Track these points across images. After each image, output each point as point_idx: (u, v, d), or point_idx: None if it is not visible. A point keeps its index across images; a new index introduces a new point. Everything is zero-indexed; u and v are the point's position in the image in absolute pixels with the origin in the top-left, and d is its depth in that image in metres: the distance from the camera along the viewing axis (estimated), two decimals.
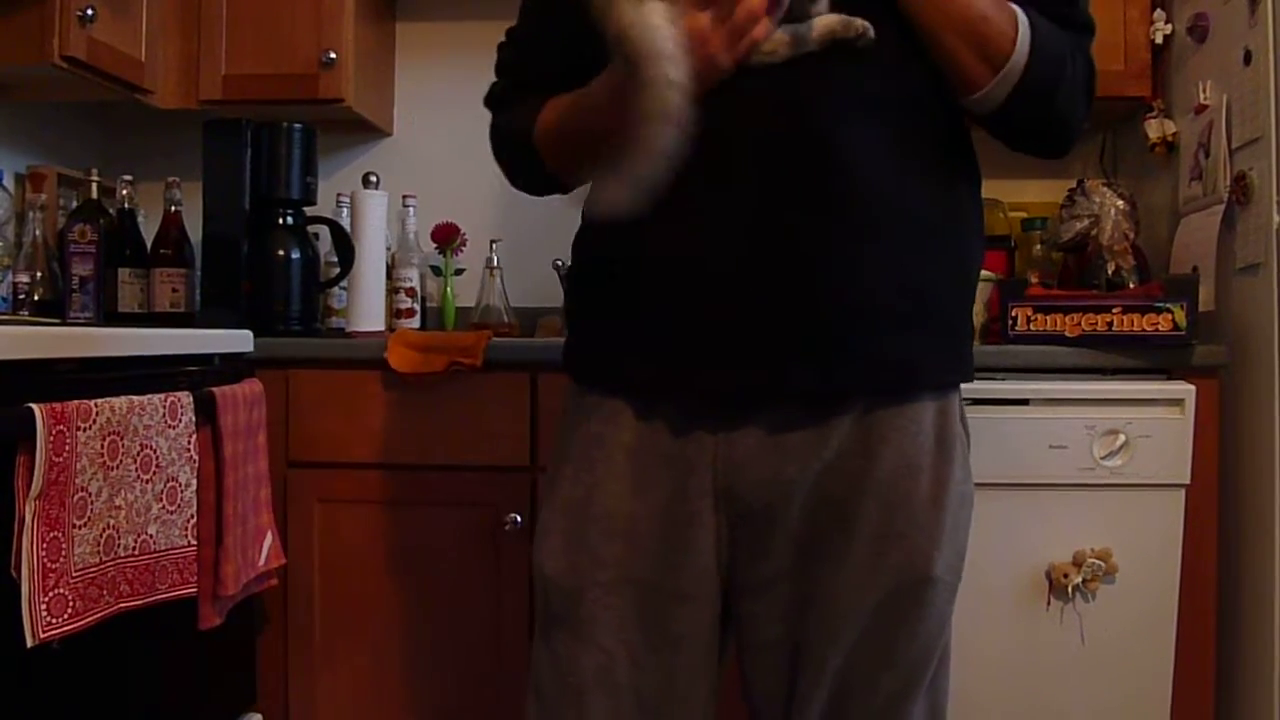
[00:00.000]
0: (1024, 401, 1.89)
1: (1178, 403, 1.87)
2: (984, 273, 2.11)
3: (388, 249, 2.38)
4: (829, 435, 1.03)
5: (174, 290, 2.34)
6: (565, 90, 1.12)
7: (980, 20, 1.01)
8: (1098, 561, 1.85)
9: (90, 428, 1.38)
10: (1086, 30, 1.10)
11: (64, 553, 1.33)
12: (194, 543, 1.61)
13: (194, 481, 1.62)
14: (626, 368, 1.06)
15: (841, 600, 1.04)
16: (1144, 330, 1.89)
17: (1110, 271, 2.06)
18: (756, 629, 1.09)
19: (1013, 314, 1.95)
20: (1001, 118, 1.08)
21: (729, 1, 0.92)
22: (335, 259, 2.34)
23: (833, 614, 1.04)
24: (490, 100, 1.28)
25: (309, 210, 2.29)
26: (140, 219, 2.41)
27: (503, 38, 1.29)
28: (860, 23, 1.00)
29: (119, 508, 1.44)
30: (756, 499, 1.04)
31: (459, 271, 2.50)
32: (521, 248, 2.52)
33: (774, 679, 1.10)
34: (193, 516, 1.61)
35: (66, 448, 1.33)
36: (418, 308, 2.43)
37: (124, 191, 2.37)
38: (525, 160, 1.21)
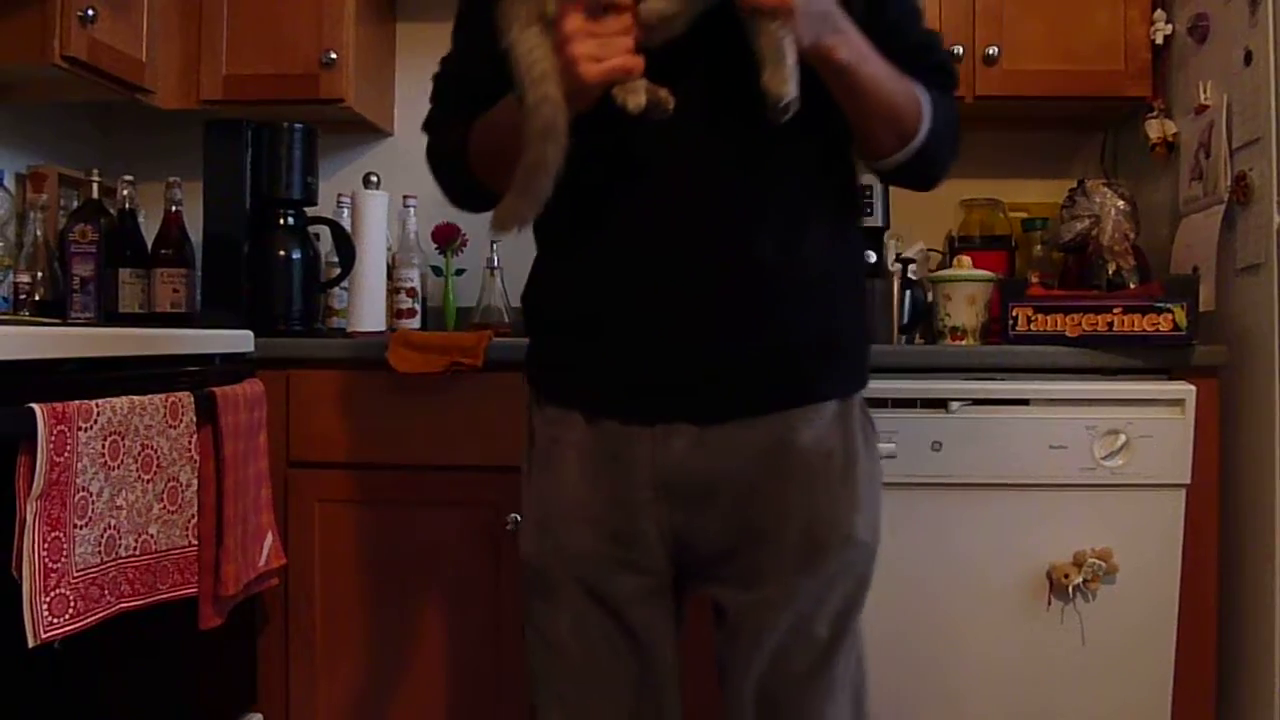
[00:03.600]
0: (1024, 402, 1.89)
1: (1178, 403, 1.87)
2: (985, 273, 2.14)
3: (388, 249, 2.38)
4: (749, 435, 1.18)
5: (175, 290, 2.34)
6: (495, 98, 1.19)
7: (900, 107, 1.16)
8: (1098, 562, 1.85)
9: (91, 428, 1.38)
10: (953, 80, 1.27)
11: (65, 553, 1.33)
12: (195, 543, 1.61)
13: (195, 481, 1.62)
14: (580, 390, 1.22)
15: (779, 566, 1.19)
16: (1144, 330, 1.89)
17: (1111, 272, 2.07)
18: (714, 602, 1.25)
19: (1013, 314, 1.95)
20: (893, 173, 1.24)
21: (604, 34, 0.98)
22: (336, 259, 2.34)
23: (773, 578, 1.19)
24: (426, 125, 1.35)
25: (309, 210, 2.29)
26: (141, 219, 2.41)
27: (438, 67, 1.34)
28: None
29: (120, 508, 1.44)
30: (691, 491, 1.18)
31: (459, 272, 2.50)
32: (521, 248, 2.47)
33: (729, 646, 1.25)
34: (193, 516, 1.61)
35: (68, 448, 1.33)
36: (418, 308, 2.43)
37: (124, 191, 2.37)
38: (460, 179, 1.29)
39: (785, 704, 1.22)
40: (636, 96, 0.99)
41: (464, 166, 1.25)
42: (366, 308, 2.25)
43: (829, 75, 1.08)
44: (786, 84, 1.00)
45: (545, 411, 1.26)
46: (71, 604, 1.33)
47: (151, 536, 1.51)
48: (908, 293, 2.24)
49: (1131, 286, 2.02)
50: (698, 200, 1.13)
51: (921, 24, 1.28)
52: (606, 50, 0.96)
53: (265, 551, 1.86)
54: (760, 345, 1.16)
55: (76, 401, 1.36)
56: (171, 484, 1.56)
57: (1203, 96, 2.04)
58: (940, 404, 1.88)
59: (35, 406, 1.29)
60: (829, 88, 1.10)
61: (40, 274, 2.29)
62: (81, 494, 1.35)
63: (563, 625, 1.22)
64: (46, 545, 1.29)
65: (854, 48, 1.08)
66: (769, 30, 0.99)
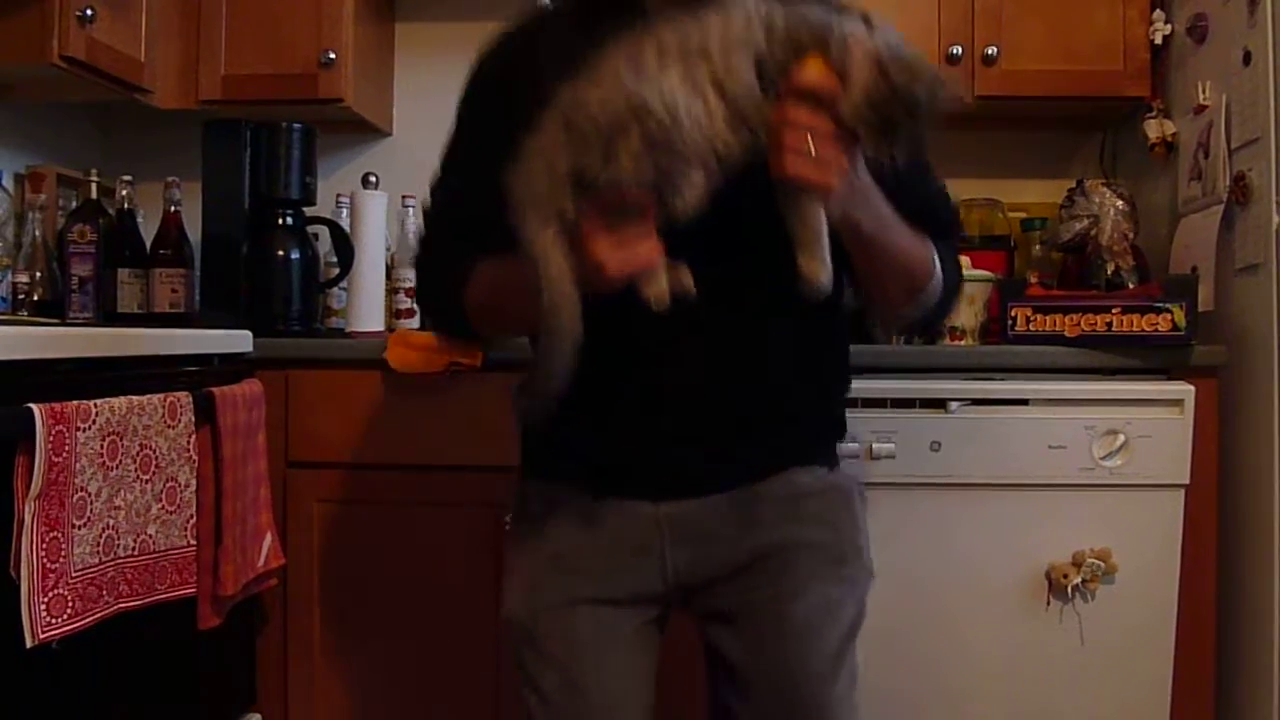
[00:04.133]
0: (1024, 402, 1.89)
1: (1177, 403, 1.87)
2: (984, 273, 2.13)
3: (387, 249, 2.38)
4: (759, 487, 1.21)
5: (173, 290, 2.34)
6: (493, 241, 1.13)
7: (914, 267, 1.16)
8: (1097, 562, 1.85)
9: (90, 428, 1.38)
10: (957, 232, 1.31)
11: (63, 553, 1.33)
12: (193, 543, 1.61)
13: (193, 482, 1.62)
14: (583, 474, 1.22)
15: (792, 568, 1.19)
16: (1143, 330, 1.89)
17: (1110, 272, 2.07)
18: (723, 650, 1.23)
19: (1012, 314, 1.95)
20: (900, 324, 1.27)
21: (624, 231, 0.95)
22: (335, 259, 2.34)
23: (787, 576, 1.20)
24: (419, 264, 1.32)
25: (309, 210, 2.29)
26: (140, 219, 2.41)
27: (428, 198, 1.31)
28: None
29: (118, 508, 1.44)
30: (699, 531, 1.19)
31: None
32: None
33: (748, 651, 1.22)
34: (192, 517, 1.61)
35: (66, 448, 1.33)
36: (417, 308, 2.43)
37: (123, 191, 2.37)
38: (457, 324, 1.26)
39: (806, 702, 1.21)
40: (659, 288, 0.97)
41: (461, 311, 1.22)
42: (365, 308, 2.25)
43: (850, 241, 1.07)
44: (824, 269, 0.99)
45: (545, 487, 1.27)
46: (70, 604, 1.33)
47: (150, 537, 1.51)
48: None
49: (1130, 286, 2.02)
50: (698, 352, 1.14)
51: (931, 177, 1.28)
52: (628, 250, 0.94)
53: (264, 552, 1.86)
54: (759, 452, 1.20)
55: (75, 402, 1.36)
56: (170, 484, 1.56)
57: (1202, 96, 2.04)
58: (939, 404, 1.88)
59: (33, 406, 1.28)
60: (846, 248, 1.08)
61: (39, 274, 2.29)
62: (80, 494, 1.35)
63: (551, 678, 1.22)
64: (45, 545, 1.29)
65: (877, 216, 1.07)
66: (806, 205, 0.98)
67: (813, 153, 0.92)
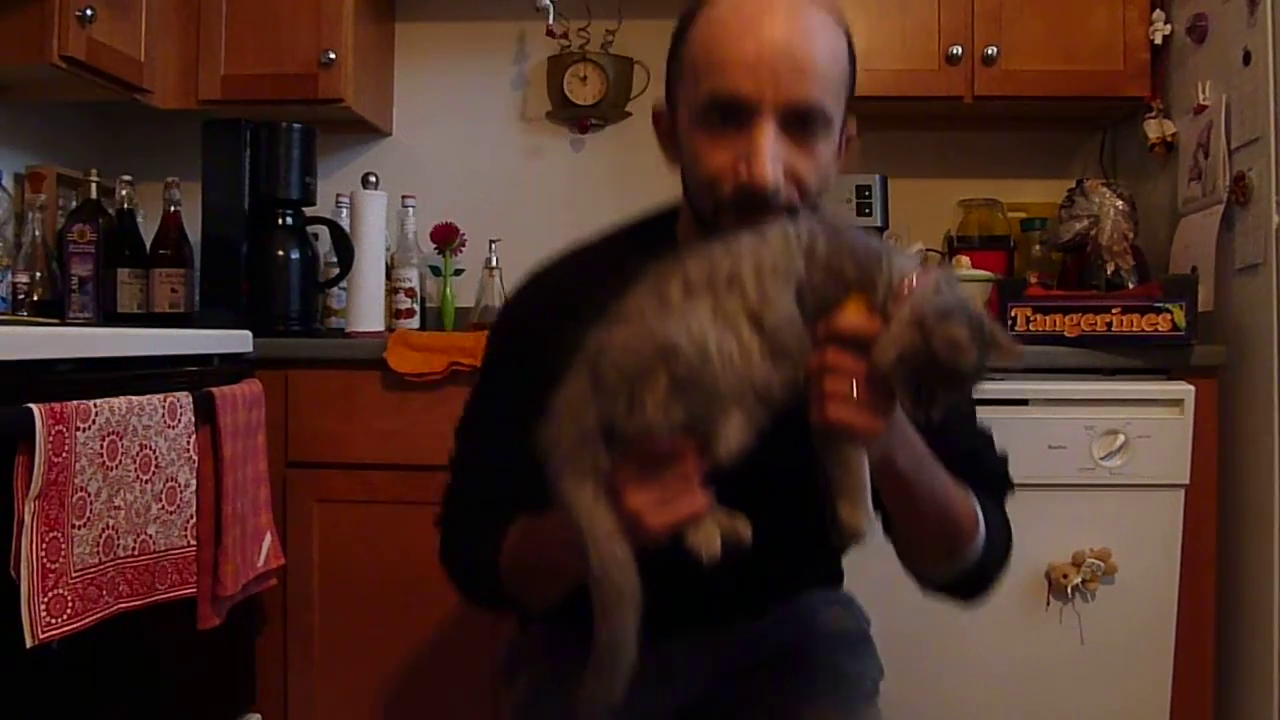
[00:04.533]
0: (1023, 402, 1.89)
1: (1177, 403, 1.87)
2: (983, 273, 2.13)
3: (387, 249, 2.38)
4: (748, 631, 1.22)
5: (173, 290, 2.34)
6: (526, 500, 1.04)
7: (954, 521, 1.04)
8: (1097, 562, 1.85)
9: (89, 428, 1.37)
10: (1006, 486, 1.17)
11: (63, 553, 1.33)
12: (193, 543, 1.61)
13: (193, 482, 1.62)
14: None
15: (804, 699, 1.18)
16: (1143, 330, 1.89)
17: (1109, 272, 2.06)
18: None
19: (1012, 314, 1.95)
20: (939, 588, 1.12)
21: (664, 480, 0.87)
22: (335, 259, 2.34)
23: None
24: (447, 510, 1.20)
25: (308, 210, 2.29)
26: (139, 219, 2.41)
27: (464, 416, 1.22)
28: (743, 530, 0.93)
29: (118, 508, 1.44)
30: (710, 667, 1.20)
31: (458, 272, 2.50)
32: (521, 248, 2.51)
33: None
34: (192, 517, 1.61)
35: (66, 448, 1.33)
36: (417, 308, 2.43)
37: (123, 192, 2.37)
38: (487, 586, 1.15)
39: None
40: (711, 542, 0.87)
41: (495, 578, 1.10)
42: (365, 308, 2.25)
43: (883, 480, 0.96)
44: (867, 518, 0.91)
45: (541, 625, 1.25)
46: (69, 604, 1.33)
47: (150, 537, 1.51)
48: None
49: (1130, 286, 2.02)
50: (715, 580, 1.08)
51: (973, 426, 1.18)
52: (669, 501, 0.86)
53: (264, 552, 1.86)
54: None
55: (75, 402, 1.36)
56: (170, 484, 1.56)
57: (1201, 96, 2.04)
58: None
59: (33, 407, 1.28)
60: (879, 487, 0.97)
61: (39, 274, 2.29)
62: (80, 494, 1.35)
63: None
64: (44, 545, 1.29)
65: (912, 453, 0.98)
66: (849, 452, 0.90)
67: (855, 398, 0.85)
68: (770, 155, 0.96)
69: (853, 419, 0.86)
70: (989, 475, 1.13)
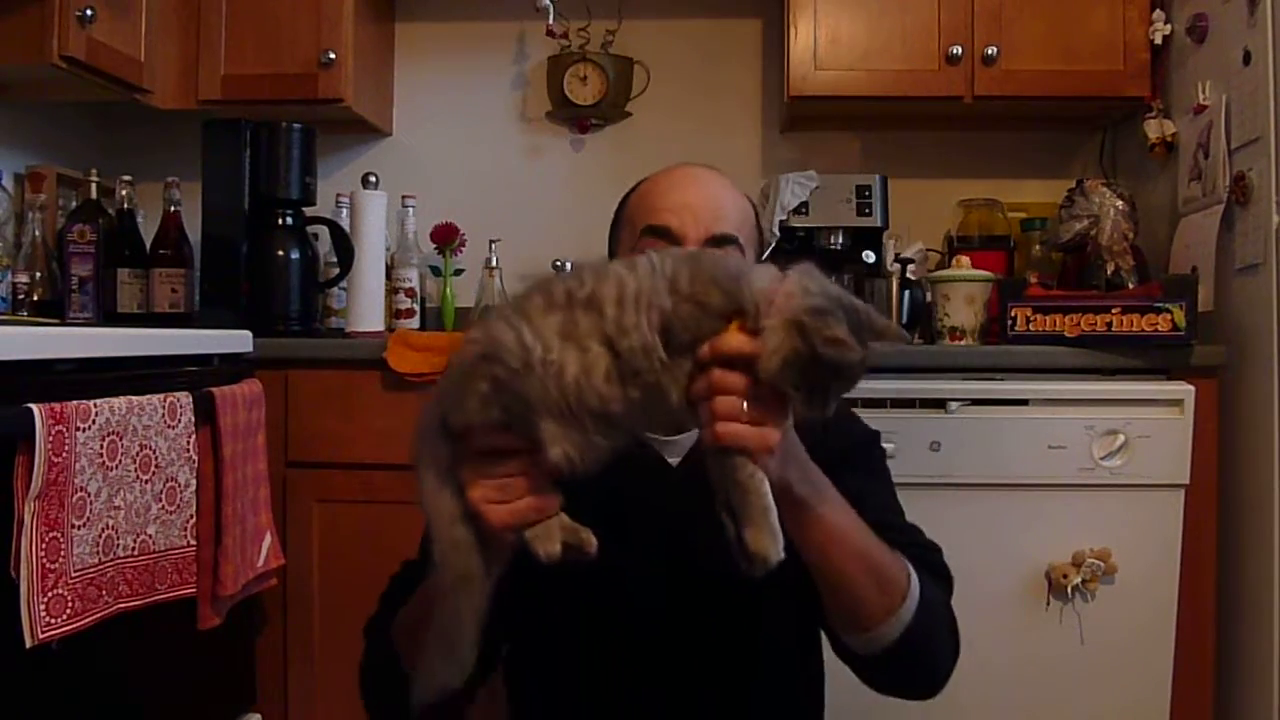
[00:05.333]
0: (1023, 402, 1.89)
1: (1177, 403, 1.87)
2: (983, 273, 2.13)
3: (387, 249, 2.38)
4: None
5: (173, 290, 2.34)
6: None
7: (877, 561, 1.03)
8: (1097, 562, 1.85)
9: (89, 428, 1.37)
10: (949, 584, 1.17)
11: (63, 553, 1.33)
12: (193, 543, 1.61)
13: (193, 482, 1.62)
14: None
15: None
16: (1143, 330, 1.89)
17: (1109, 272, 2.06)
18: None
19: (1012, 314, 1.95)
20: (884, 658, 1.06)
21: (500, 475, 0.89)
22: (335, 259, 2.34)
23: None
24: (366, 629, 1.26)
25: (308, 210, 2.29)
26: (139, 219, 2.41)
27: (398, 568, 1.27)
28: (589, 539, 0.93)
29: (118, 508, 1.44)
30: None
31: (458, 272, 2.50)
32: (521, 248, 2.52)
33: None
34: (192, 517, 1.61)
35: (66, 448, 1.33)
36: (417, 308, 2.43)
37: (123, 192, 2.37)
38: (389, 689, 1.16)
39: None
40: (548, 543, 0.89)
41: (396, 665, 1.10)
42: (365, 308, 2.25)
43: (785, 510, 0.93)
44: (775, 540, 0.88)
45: None
46: (69, 604, 1.33)
47: (150, 537, 1.51)
48: (906, 293, 2.24)
49: (1130, 286, 2.02)
50: (657, 652, 1.12)
51: (902, 520, 1.20)
52: (507, 493, 0.88)
53: (264, 552, 1.86)
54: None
55: (75, 402, 1.36)
56: (170, 484, 1.56)
57: (1201, 96, 2.04)
58: (939, 404, 1.88)
59: (33, 407, 1.28)
60: (785, 525, 0.92)
61: (39, 274, 2.29)
62: (79, 494, 1.35)
63: None
64: (44, 545, 1.29)
65: (809, 481, 0.97)
66: (745, 475, 0.87)
67: (745, 416, 0.86)
68: None
69: (745, 434, 0.87)
70: (927, 562, 1.13)
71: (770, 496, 0.89)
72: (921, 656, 1.08)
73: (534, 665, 1.21)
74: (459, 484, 0.90)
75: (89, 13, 2.01)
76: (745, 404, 0.86)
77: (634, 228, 1.19)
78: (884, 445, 1.30)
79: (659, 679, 1.14)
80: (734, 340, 0.87)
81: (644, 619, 1.12)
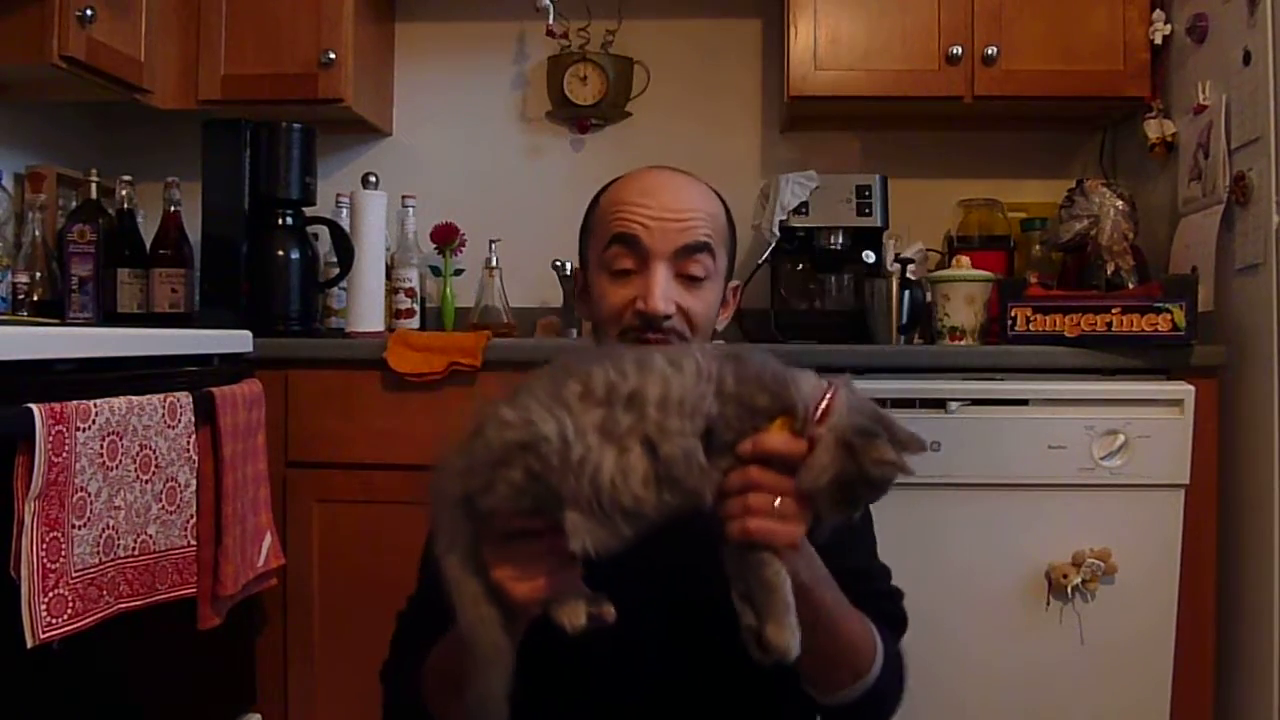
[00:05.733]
0: (1023, 402, 1.89)
1: (1177, 403, 1.87)
2: (983, 273, 2.13)
3: (387, 249, 2.38)
4: None
5: (173, 290, 2.34)
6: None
7: (855, 636, 1.07)
8: (1097, 562, 1.85)
9: (89, 428, 1.37)
10: (904, 629, 1.22)
11: (63, 553, 1.33)
12: (193, 543, 1.61)
13: (193, 482, 1.62)
14: None
15: None
16: (1143, 330, 1.89)
17: (1109, 272, 2.06)
18: None
19: (1012, 314, 1.95)
20: (841, 710, 1.12)
21: (523, 554, 0.90)
22: (335, 259, 2.34)
23: None
24: (382, 675, 1.26)
25: (308, 210, 2.29)
26: (139, 219, 2.41)
27: (404, 604, 1.30)
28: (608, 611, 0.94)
29: (118, 508, 1.44)
30: None
31: (458, 272, 2.50)
32: (521, 248, 2.52)
33: None
34: (192, 517, 1.61)
35: (66, 448, 1.33)
36: (417, 308, 2.43)
37: (123, 192, 2.38)
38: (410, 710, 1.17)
39: None
40: (574, 616, 0.90)
41: (422, 715, 1.12)
42: (365, 308, 2.25)
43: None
44: (795, 637, 0.90)
45: None
46: (70, 604, 1.33)
47: (150, 537, 1.51)
48: (906, 293, 2.24)
49: (1130, 286, 2.02)
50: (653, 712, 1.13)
51: (875, 559, 1.24)
52: (529, 572, 0.89)
53: (264, 552, 1.86)
54: None
55: (75, 402, 1.36)
56: (170, 484, 1.56)
57: (1201, 96, 2.04)
58: (939, 404, 1.88)
59: (33, 407, 1.28)
60: None
61: (39, 274, 2.29)
62: (80, 494, 1.35)
63: None
64: (45, 546, 1.29)
65: (814, 569, 1.01)
66: (769, 570, 0.90)
67: (777, 514, 0.89)
68: (663, 290, 1.13)
69: (777, 531, 0.89)
70: (886, 611, 1.17)
71: (791, 593, 0.91)
72: (878, 706, 1.14)
73: (526, 702, 1.20)
74: (480, 562, 0.90)
75: (89, 13, 2.01)
76: (778, 502, 0.89)
77: (602, 235, 1.19)
78: None
79: (651, 712, 1.15)
80: (778, 439, 0.89)
81: (638, 656, 1.12)
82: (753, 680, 1.11)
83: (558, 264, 2.43)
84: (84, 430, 1.36)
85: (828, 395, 0.91)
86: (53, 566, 1.31)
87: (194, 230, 2.31)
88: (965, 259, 2.17)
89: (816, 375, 0.94)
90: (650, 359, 0.91)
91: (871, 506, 1.21)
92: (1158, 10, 2.24)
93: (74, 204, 2.42)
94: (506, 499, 0.87)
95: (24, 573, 1.27)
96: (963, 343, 2.08)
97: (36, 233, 2.29)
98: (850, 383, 0.93)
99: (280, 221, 2.23)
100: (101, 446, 1.40)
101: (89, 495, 1.37)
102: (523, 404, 0.88)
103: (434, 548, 0.93)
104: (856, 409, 0.91)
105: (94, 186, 2.39)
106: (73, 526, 1.34)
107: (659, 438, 0.87)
